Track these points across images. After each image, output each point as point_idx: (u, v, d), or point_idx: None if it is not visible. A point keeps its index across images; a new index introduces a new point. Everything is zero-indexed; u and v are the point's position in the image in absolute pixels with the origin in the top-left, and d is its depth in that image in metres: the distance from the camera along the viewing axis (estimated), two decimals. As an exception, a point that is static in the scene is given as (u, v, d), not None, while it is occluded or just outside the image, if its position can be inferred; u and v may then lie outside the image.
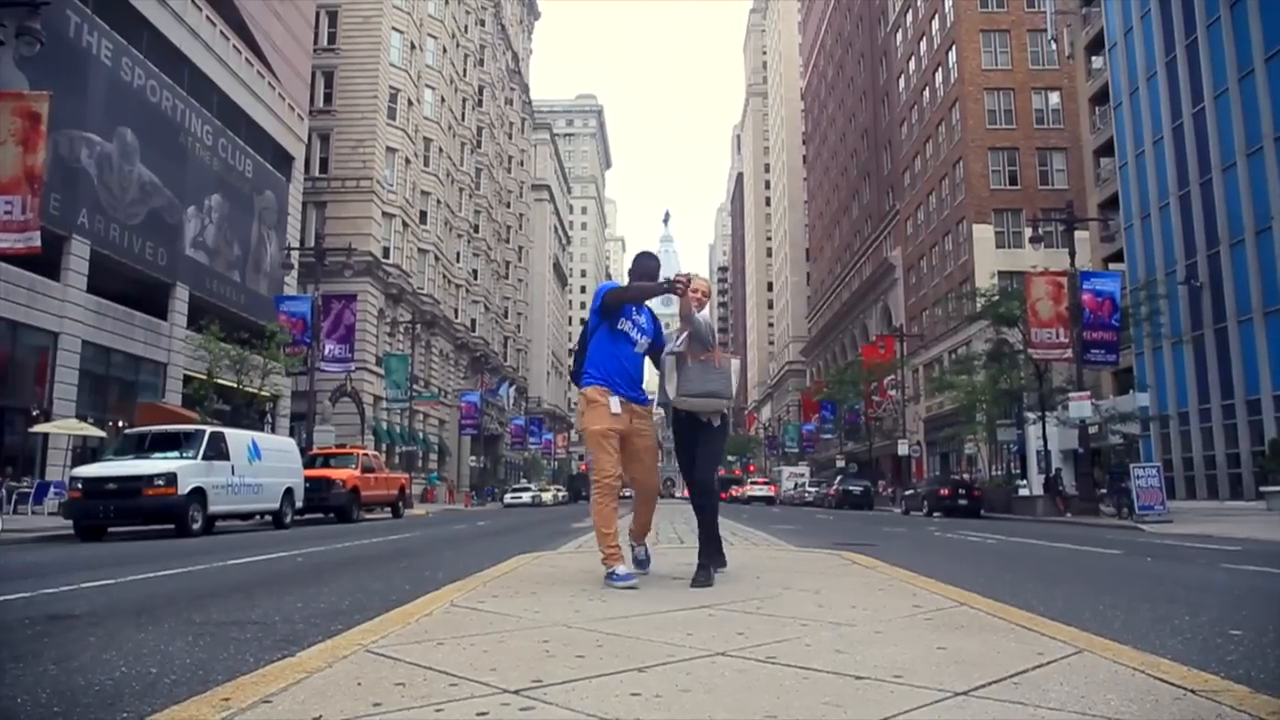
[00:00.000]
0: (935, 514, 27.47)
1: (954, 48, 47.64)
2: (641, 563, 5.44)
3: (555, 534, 13.96)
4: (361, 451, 24.03)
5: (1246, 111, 28.20)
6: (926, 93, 52.38)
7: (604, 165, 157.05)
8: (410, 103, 47.81)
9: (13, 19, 14.29)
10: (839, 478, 44.58)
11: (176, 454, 14.77)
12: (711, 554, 5.15)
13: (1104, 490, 24.52)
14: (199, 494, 14.42)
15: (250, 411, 29.29)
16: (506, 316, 76.45)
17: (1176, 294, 30.62)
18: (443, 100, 54.24)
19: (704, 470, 5.14)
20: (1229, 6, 29.00)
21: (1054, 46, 44.50)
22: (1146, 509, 19.31)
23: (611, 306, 5.03)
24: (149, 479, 13.83)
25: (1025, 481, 32.94)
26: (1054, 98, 45.77)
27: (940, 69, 50.07)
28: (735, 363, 5.13)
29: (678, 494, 69.26)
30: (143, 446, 15.29)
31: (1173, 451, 31.69)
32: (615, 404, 4.88)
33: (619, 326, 5.02)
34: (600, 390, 4.91)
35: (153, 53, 26.60)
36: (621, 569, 4.77)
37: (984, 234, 44.10)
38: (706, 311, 5.32)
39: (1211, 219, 30.05)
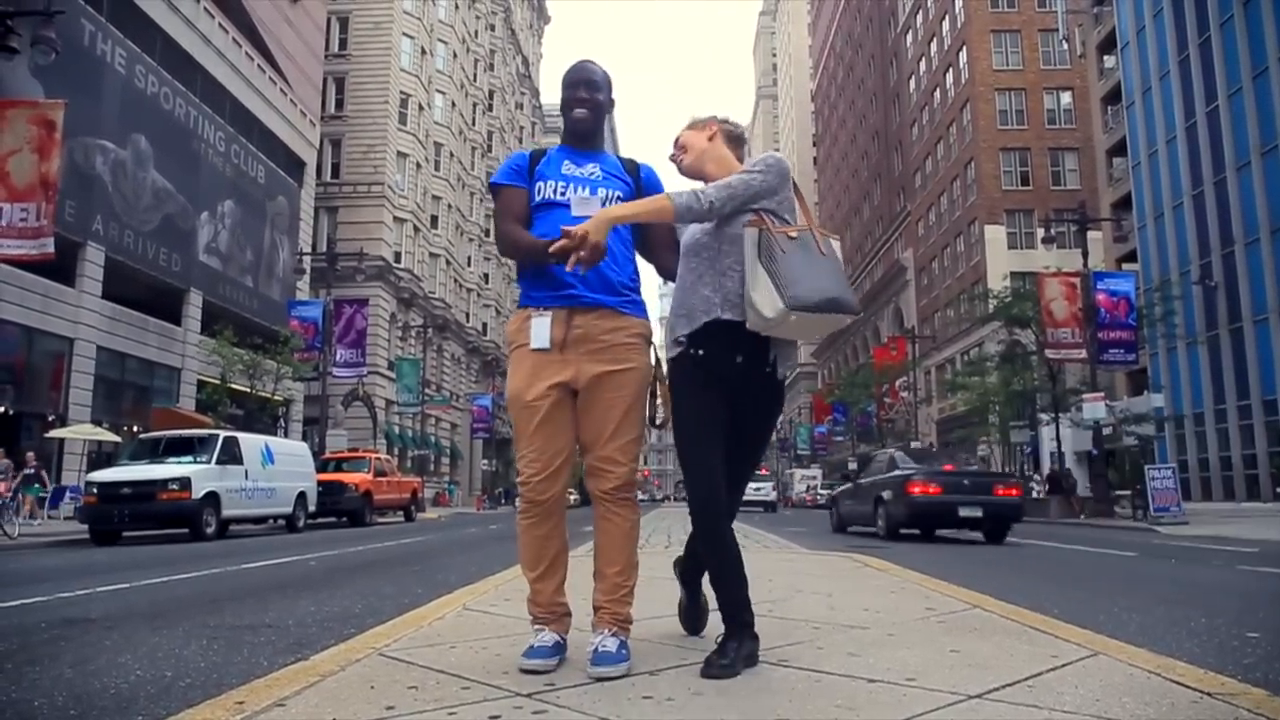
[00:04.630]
0: (948, 516, 27.24)
1: (965, 48, 47.50)
2: (611, 658, 2.59)
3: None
4: (374, 455, 24.10)
5: (1261, 110, 28.02)
6: (937, 93, 52.23)
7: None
8: (421, 108, 47.98)
9: (28, 28, 14.43)
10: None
11: (190, 458, 14.86)
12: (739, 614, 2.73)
13: (1129, 491, 24.25)
14: (213, 498, 14.49)
15: (263, 416, 29.42)
16: (517, 320, 76.54)
17: (1191, 294, 30.43)
18: (453, 105, 54.41)
19: (750, 462, 2.94)
20: (1242, 5, 28.83)
21: (1065, 46, 44.34)
22: (1162, 510, 19.17)
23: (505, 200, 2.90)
24: (163, 483, 13.92)
25: (1038, 483, 32.80)
26: (1066, 98, 45.59)
27: (951, 70, 49.93)
28: (836, 244, 2.80)
29: (663, 495, 62.50)
30: (157, 451, 15.39)
31: (1188, 453, 31.47)
32: (541, 328, 2.74)
33: (542, 194, 2.86)
34: (520, 315, 2.85)
35: (166, 60, 26.80)
36: (544, 637, 2.73)
37: (996, 235, 43.95)
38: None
39: (1226, 218, 29.85)
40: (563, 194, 2.83)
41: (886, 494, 13.68)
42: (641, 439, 2.83)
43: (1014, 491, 13.62)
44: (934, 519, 13.37)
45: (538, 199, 2.85)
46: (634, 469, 2.81)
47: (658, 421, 2.87)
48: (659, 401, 2.86)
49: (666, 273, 3.01)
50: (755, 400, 2.83)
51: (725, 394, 2.76)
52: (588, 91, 2.93)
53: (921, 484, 13.19)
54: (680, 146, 3.02)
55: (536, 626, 2.80)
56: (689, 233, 2.90)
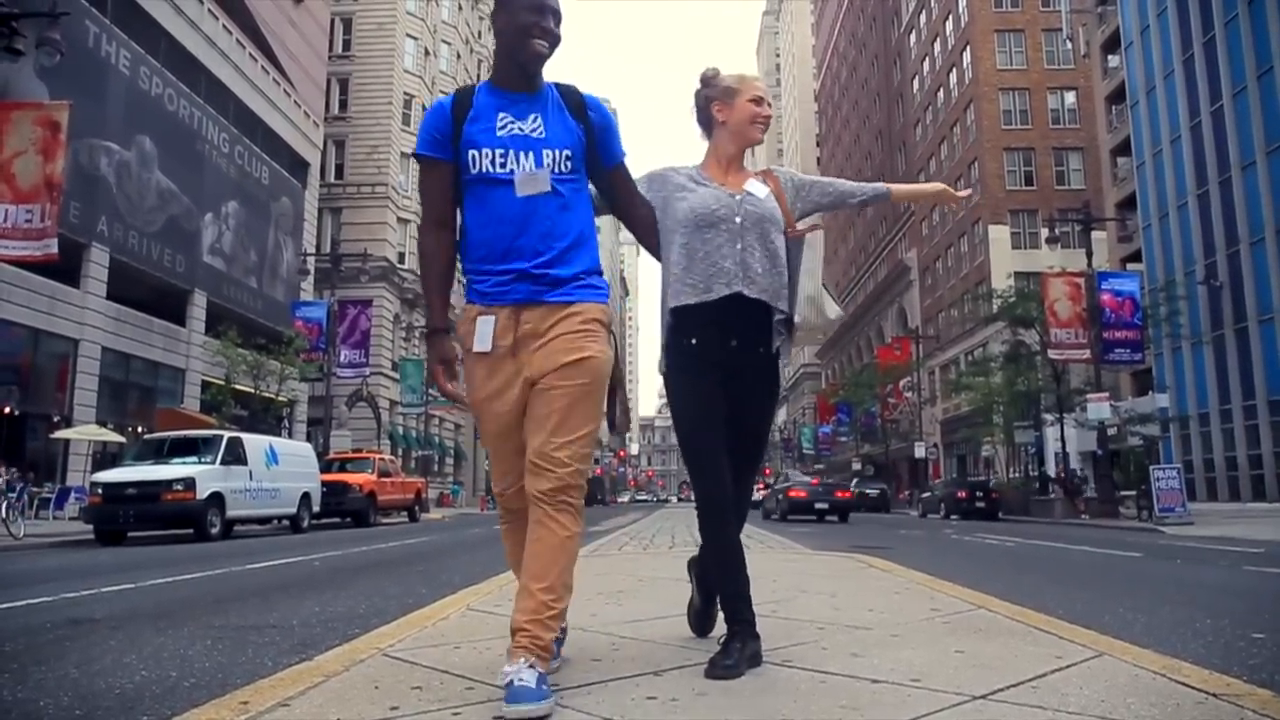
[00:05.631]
0: (952, 516, 27.32)
1: (968, 48, 47.45)
2: (530, 694, 2.11)
3: (571, 538, 13.93)
4: (378, 456, 24.10)
5: (1266, 109, 27.93)
6: (941, 93, 52.18)
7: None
8: (424, 109, 48.03)
9: (33, 29, 14.47)
10: (855, 480, 44.41)
11: (195, 459, 14.89)
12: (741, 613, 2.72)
13: (1134, 491, 24.19)
14: (217, 499, 14.52)
15: (267, 416, 29.48)
16: (521, 321, 76.58)
17: (1196, 294, 30.35)
18: (457, 106, 54.48)
19: (753, 462, 2.89)
20: (1247, 3, 28.74)
21: (1069, 46, 44.24)
22: (1167, 511, 19.13)
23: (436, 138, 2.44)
24: (168, 484, 13.95)
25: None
26: (1070, 97, 45.51)
27: (955, 69, 49.88)
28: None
29: (666, 496, 62.57)
30: (161, 452, 15.42)
31: (1193, 453, 31.37)
32: (484, 329, 2.42)
33: (477, 165, 2.39)
34: (469, 314, 2.47)
35: (170, 61, 26.87)
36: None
37: (1000, 235, 43.87)
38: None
39: (1231, 218, 29.76)
40: (503, 164, 2.36)
41: (780, 496, 24.01)
42: (593, 437, 2.44)
43: (848, 495, 24.22)
44: (802, 510, 23.07)
45: (472, 171, 2.38)
46: (580, 471, 2.37)
47: (616, 425, 2.71)
48: (617, 403, 2.62)
49: (645, 233, 2.81)
50: (751, 385, 2.77)
51: (721, 380, 2.71)
52: (555, 22, 2.44)
53: (795, 490, 23.74)
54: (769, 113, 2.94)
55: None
56: (696, 200, 2.74)
